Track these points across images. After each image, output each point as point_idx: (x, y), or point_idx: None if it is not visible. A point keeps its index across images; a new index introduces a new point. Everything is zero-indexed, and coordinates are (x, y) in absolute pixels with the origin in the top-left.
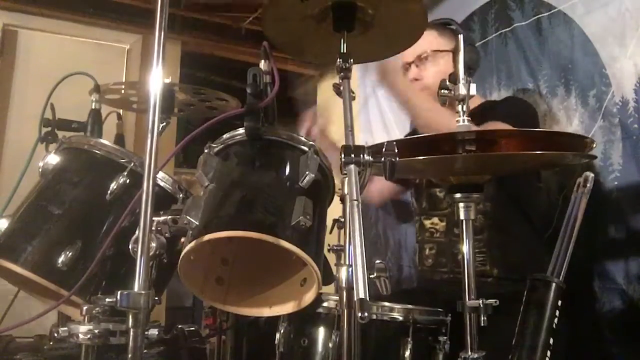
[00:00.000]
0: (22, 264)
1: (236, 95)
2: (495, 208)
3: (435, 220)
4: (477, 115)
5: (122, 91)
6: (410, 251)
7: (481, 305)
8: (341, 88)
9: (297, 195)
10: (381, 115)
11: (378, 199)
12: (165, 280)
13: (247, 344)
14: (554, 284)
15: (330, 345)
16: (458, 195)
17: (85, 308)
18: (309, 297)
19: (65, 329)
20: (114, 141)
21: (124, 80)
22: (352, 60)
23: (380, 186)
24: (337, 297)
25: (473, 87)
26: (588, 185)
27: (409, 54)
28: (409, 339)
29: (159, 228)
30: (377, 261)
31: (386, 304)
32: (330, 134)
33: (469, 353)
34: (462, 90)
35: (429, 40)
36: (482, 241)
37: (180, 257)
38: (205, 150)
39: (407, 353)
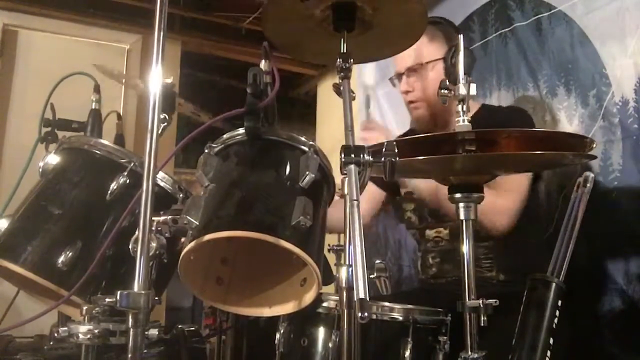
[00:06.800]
0: (22, 264)
1: (236, 95)
2: None
3: (440, 228)
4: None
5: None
6: (410, 251)
7: (481, 305)
8: (341, 88)
9: (297, 195)
10: (381, 116)
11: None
12: (165, 280)
13: (247, 344)
14: (554, 284)
15: (330, 345)
16: (458, 195)
17: (85, 308)
18: (309, 297)
19: (65, 329)
20: (114, 141)
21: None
22: (352, 60)
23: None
24: (337, 297)
25: (473, 87)
26: (588, 185)
27: (401, 64)
28: (409, 339)
29: (159, 228)
30: (377, 261)
31: (386, 304)
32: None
33: (469, 353)
34: (462, 90)
35: (419, 48)
36: (487, 247)
37: (180, 257)
38: (205, 150)
39: (407, 353)
